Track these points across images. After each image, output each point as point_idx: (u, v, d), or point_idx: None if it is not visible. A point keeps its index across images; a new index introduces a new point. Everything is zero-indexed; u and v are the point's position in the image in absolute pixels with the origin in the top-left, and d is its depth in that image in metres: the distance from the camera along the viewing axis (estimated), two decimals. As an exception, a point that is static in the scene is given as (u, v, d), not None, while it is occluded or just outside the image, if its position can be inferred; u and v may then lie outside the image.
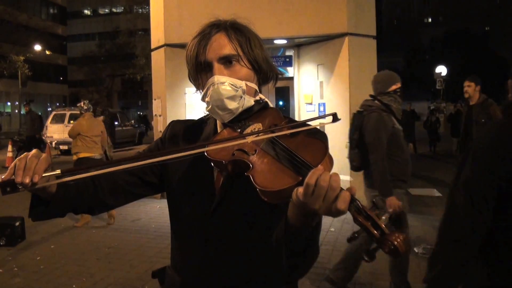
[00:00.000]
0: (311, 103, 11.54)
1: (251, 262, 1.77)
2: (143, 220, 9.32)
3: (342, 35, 10.46)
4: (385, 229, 1.27)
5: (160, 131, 11.35)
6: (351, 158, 5.37)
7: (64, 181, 1.54)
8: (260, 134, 1.62)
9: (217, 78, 1.73)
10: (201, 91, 1.83)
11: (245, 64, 1.80)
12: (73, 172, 1.53)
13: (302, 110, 11.84)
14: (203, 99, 1.81)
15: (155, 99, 12.01)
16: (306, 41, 11.44)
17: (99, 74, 58.96)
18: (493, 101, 8.19)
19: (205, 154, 1.60)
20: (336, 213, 1.31)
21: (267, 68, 1.88)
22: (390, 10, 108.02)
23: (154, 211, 10.24)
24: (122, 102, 68.66)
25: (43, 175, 1.49)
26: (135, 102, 73.27)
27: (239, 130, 1.73)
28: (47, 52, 55.78)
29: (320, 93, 11.26)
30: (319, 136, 1.66)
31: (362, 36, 10.78)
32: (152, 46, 12.10)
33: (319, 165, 1.39)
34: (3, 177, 1.45)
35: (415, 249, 7.04)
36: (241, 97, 1.76)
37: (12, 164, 1.48)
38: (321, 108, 11.18)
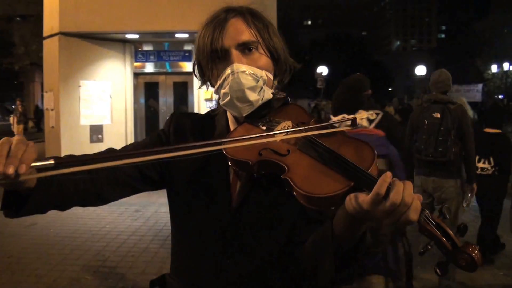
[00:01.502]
0: (211, 99, 11.40)
1: (273, 271, 1.66)
2: (39, 224, 8.61)
3: (243, 31, 10.39)
4: (457, 240, 1.18)
5: (53, 127, 10.75)
6: (443, 150, 5.42)
7: (57, 174, 1.20)
8: (297, 132, 1.48)
9: (236, 66, 1.57)
10: (207, 84, 1.71)
11: (264, 52, 1.64)
12: (69, 163, 1.24)
13: (202, 106, 11.66)
14: (217, 91, 1.65)
15: (46, 92, 11.31)
16: (207, 36, 11.23)
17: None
18: None
19: (224, 152, 1.46)
20: (404, 223, 1.19)
21: (285, 59, 1.72)
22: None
23: (50, 214, 9.51)
24: (-6, 94, 64.30)
25: (32, 164, 1.19)
26: (8, 95, 68.95)
27: (264, 128, 1.58)
28: None
29: (220, 90, 11.09)
30: (356, 136, 1.54)
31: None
32: (45, 34, 11.37)
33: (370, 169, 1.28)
34: None
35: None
36: (261, 88, 1.61)
37: None
38: (222, 104, 11.08)
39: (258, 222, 1.62)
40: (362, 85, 4.40)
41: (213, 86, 1.71)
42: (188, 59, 11.80)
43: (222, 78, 1.59)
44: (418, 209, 1.18)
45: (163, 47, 11.99)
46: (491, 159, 6.28)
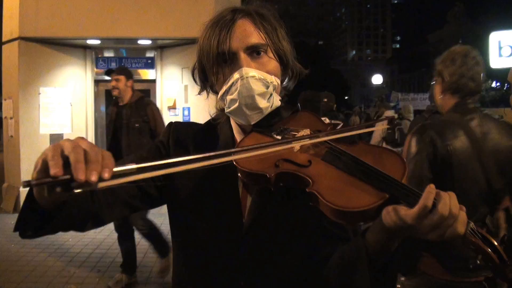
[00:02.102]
0: (174, 107, 11.23)
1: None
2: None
3: (208, 39, 10.31)
4: (504, 254, 1.11)
5: (12, 136, 10.38)
6: None
7: (135, 180, 1.05)
8: (323, 136, 1.39)
9: (245, 70, 1.46)
10: (208, 90, 1.64)
11: (273, 56, 1.55)
12: (150, 168, 1.10)
13: (165, 115, 11.42)
14: (223, 97, 1.54)
15: (5, 100, 10.83)
16: (171, 43, 11.12)
17: None
18: (151, 100, 7.15)
19: (235, 164, 1.33)
20: (451, 237, 1.11)
21: (293, 64, 1.63)
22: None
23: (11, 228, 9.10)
24: None
25: (115, 170, 1.03)
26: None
27: (279, 137, 1.47)
28: None
29: (184, 97, 11.02)
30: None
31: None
32: (4, 39, 10.89)
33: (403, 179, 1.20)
34: (53, 172, 0.96)
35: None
36: (271, 95, 1.51)
37: (52, 155, 1.01)
38: (186, 113, 10.95)
39: (273, 240, 1.52)
40: (316, 96, 4.61)
41: (215, 91, 1.60)
42: (150, 66, 11.54)
43: (229, 83, 1.49)
44: (465, 221, 1.12)
45: (125, 54, 11.71)
46: None
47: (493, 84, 50.15)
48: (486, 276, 1.15)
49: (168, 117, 11.19)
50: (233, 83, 1.48)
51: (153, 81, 11.58)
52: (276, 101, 1.54)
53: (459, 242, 1.13)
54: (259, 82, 1.48)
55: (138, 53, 11.57)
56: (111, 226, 8.41)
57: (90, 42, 10.89)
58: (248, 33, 1.50)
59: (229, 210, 1.53)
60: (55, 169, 0.97)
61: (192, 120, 10.77)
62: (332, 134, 1.39)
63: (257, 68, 1.49)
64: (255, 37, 1.51)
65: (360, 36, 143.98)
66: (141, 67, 11.57)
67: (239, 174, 1.38)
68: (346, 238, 1.54)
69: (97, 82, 11.63)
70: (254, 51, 1.51)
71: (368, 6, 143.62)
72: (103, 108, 11.86)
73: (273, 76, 1.52)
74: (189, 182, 1.56)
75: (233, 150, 1.34)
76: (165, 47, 11.42)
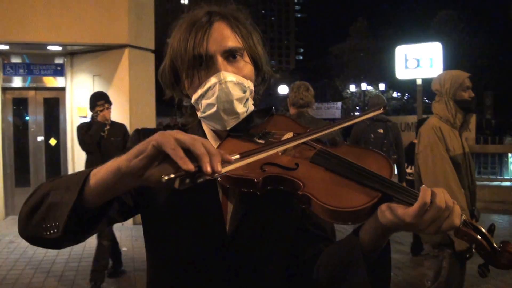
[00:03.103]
0: (85, 117, 10.81)
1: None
2: None
3: (122, 46, 10.18)
4: (493, 241, 1.18)
5: None
6: None
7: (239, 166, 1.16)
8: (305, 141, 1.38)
9: (223, 75, 1.43)
10: (180, 94, 1.58)
11: (249, 61, 1.53)
12: (251, 153, 1.20)
13: (75, 124, 10.90)
14: (198, 101, 1.49)
15: None
16: (81, 49, 10.78)
17: None
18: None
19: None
20: (447, 229, 1.17)
21: (266, 68, 1.61)
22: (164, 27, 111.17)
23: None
24: None
25: (233, 158, 1.13)
26: None
27: (262, 141, 1.45)
28: None
29: (96, 106, 10.60)
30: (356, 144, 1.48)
31: (141, 49, 10.67)
32: None
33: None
34: (186, 167, 1.03)
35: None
36: (247, 99, 1.49)
37: (175, 152, 1.04)
38: (98, 122, 10.58)
39: (257, 246, 1.51)
40: None
41: (187, 95, 1.54)
42: (60, 73, 11.07)
43: (206, 87, 1.45)
44: (459, 213, 1.17)
45: (33, 60, 11.13)
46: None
47: (394, 94, 52.76)
48: (480, 264, 1.22)
49: (79, 127, 10.80)
50: (210, 87, 1.44)
51: (63, 89, 11.14)
52: (251, 105, 1.52)
53: (453, 233, 1.19)
54: (237, 86, 1.45)
55: (47, 60, 11.07)
56: (22, 244, 8.09)
57: (-3, 47, 10.29)
58: (225, 36, 1.47)
59: (211, 217, 1.48)
60: (188, 165, 1.02)
61: (104, 129, 10.45)
62: (327, 129, 1.40)
63: (233, 72, 1.46)
64: (232, 40, 1.48)
65: (264, 47, 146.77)
66: (50, 74, 11.12)
67: (218, 179, 1.35)
68: (326, 238, 1.58)
69: (4, 89, 10.99)
70: (230, 55, 1.48)
71: (273, 18, 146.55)
72: (10, 117, 11.22)
73: (249, 81, 1.50)
74: (165, 189, 1.48)
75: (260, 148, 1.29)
76: (75, 54, 11.04)
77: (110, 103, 6.71)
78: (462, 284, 4.31)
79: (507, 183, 12.66)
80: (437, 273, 4.34)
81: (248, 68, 1.52)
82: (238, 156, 1.15)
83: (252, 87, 1.51)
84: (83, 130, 6.58)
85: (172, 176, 1.03)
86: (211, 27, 1.46)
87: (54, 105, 11.50)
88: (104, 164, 1.19)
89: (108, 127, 6.57)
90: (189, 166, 1.03)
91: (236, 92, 1.44)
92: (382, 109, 1.53)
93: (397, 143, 7.39)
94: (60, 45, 10.38)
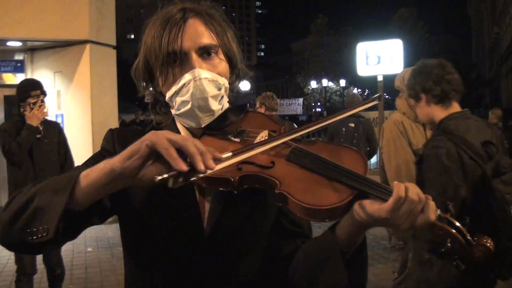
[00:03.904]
0: (46, 115, 10.59)
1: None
2: None
3: (83, 42, 10.01)
4: (467, 234, 1.21)
5: None
6: None
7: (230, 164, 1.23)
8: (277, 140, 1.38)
9: (198, 72, 1.43)
10: (151, 91, 1.59)
11: (224, 58, 1.54)
12: (241, 151, 1.27)
13: (36, 122, 10.76)
14: (172, 98, 1.49)
15: None
16: (42, 45, 10.54)
17: None
18: None
19: None
20: (423, 225, 1.19)
21: (240, 66, 1.62)
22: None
23: None
24: None
25: (224, 155, 1.19)
26: None
27: (237, 140, 1.46)
28: None
29: (57, 103, 10.46)
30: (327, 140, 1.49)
31: (103, 45, 10.50)
32: None
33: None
34: (179, 168, 1.07)
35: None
36: (222, 97, 1.50)
37: (169, 153, 1.08)
38: (59, 120, 10.37)
39: (235, 243, 1.51)
40: None
41: (160, 92, 1.54)
42: (20, 70, 10.81)
43: (180, 84, 1.45)
44: (435, 208, 1.19)
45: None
46: None
47: (355, 90, 53.42)
48: (455, 257, 1.25)
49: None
50: (184, 84, 1.44)
51: (23, 86, 10.85)
52: (226, 103, 1.52)
53: (428, 228, 1.21)
54: (212, 84, 1.45)
55: (6, 56, 10.79)
56: None
57: (-48, 42, 10.00)
58: (200, 33, 1.47)
59: (188, 216, 1.47)
60: (181, 166, 1.07)
61: (66, 127, 10.28)
62: (304, 129, 1.40)
63: (208, 70, 1.46)
64: (207, 37, 1.48)
65: (239, 44, 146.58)
66: (10, 71, 10.84)
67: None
68: (303, 235, 1.58)
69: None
70: (205, 52, 1.48)
71: (233, 14, 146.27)
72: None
73: (224, 78, 1.51)
74: (142, 190, 1.47)
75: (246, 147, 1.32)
76: (36, 50, 10.79)
77: (45, 94, 5.30)
78: None
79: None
80: (403, 265, 4.45)
81: (223, 66, 1.52)
82: (230, 154, 1.20)
83: (227, 85, 1.52)
84: (6, 135, 5.04)
85: (165, 176, 1.05)
86: (186, 24, 1.46)
87: (14, 103, 11.18)
88: (94, 166, 1.21)
89: (42, 130, 5.16)
90: (182, 166, 1.06)
91: (211, 89, 1.44)
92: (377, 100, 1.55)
93: (370, 137, 8.07)
94: (20, 41, 10.14)
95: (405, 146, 4.23)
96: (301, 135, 1.39)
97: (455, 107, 3.02)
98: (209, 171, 1.11)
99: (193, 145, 1.10)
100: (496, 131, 3.08)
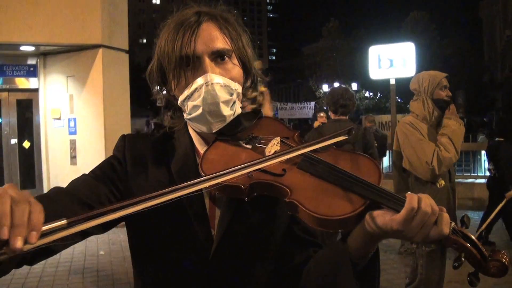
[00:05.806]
0: (59, 118, 10.68)
1: None
2: None
3: (96, 46, 10.06)
4: (483, 249, 1.16)
5: None
6: None
7: (66, 235, 0.99)
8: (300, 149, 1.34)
9: (210, 76, 1.40)
10: (163, 93, 1.56)
11: (237, 63, 1.50)
12: (82, 220, 1.03)
13: (49, 126, 10.86)
14: (184, 102, 1.46)
15: None
16: (54, 50, 10.61)
17: None
18: None
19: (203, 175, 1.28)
20: (436, 238, 1.16)
21: (255, 71, 1.59)
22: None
23: None
24: None
25: (44, 228, 0.93)
26: None
27: (249, 146, 1.43)
28: None
29: (70, 107, 10.54)
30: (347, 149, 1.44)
31: (115, 49, 10.55)
32: None
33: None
34: None
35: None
36: (234, 102, 1.46)
37: None
38: (72, 124, 10.46)
39: (245, 251, 1.47)
40: None
41: (174, 96, 1.52)
42: (33, 74, 10.88)
43: (192, 89, 1.42)
44: (448, 221, 1.15)
45: (5, 61, 10.86)
46: None
47: (367, 94, 53.22)
48: (470, 272, 1.20)
49: (52, 129, 10.66)
50: (196, 88, 1.41)
51: (36, 90, 10.96)
52: (238, 108, 1.49)
53: (442, 242, 1.16)
54: (224, 89, 1.42)
55: (19, 60, 10.88)
56: None
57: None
58: (214, 37, 1.45)
59: (197, 223, 1.44)
60: None
61: (78, 131, 10.35)
62: (309, 146, 1.35)
63: (221, 74, 1.44)
64: (221, 42, 1.45)
65: (254, 49, 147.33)
66: (23, 75, 10.91)
67: (206, 185, 1.29)
68: (316, 243, 1.55)
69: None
70: (218, 56, 1.45)
71: (245, 18, 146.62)
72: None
73: (236, 83, 1.47)
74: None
75: (206, 177, 1.23)
76: (48, 54, 10.86)
77: None
78: (443, 280, 4.39)
79: (481, 180, 12.85)
80: (414, 270, 4.42)
81: (236, 71, 1.49)
82: (64, 221, 0.99)
83: (239, 90, 1.49)
84: None
85: None
86: (200, 27, 1.44)
87: (27, 107, 11.29)
88: None
89: None
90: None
91: (223, 95, 1.41)
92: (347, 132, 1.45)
93: (368, 144, 7.76)
94: (33, 46, 10.22)
95: (419, 136, 4.25)
96: (309, 151, 1.35)
97: None
98: (26, 246, 0.90)
99: (7, 211, 0.89)
100: None
